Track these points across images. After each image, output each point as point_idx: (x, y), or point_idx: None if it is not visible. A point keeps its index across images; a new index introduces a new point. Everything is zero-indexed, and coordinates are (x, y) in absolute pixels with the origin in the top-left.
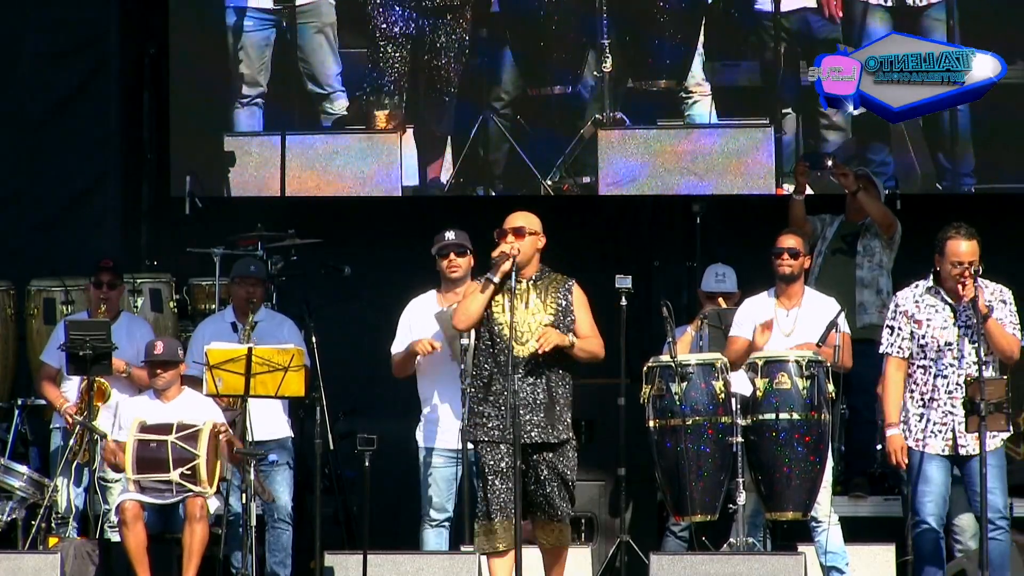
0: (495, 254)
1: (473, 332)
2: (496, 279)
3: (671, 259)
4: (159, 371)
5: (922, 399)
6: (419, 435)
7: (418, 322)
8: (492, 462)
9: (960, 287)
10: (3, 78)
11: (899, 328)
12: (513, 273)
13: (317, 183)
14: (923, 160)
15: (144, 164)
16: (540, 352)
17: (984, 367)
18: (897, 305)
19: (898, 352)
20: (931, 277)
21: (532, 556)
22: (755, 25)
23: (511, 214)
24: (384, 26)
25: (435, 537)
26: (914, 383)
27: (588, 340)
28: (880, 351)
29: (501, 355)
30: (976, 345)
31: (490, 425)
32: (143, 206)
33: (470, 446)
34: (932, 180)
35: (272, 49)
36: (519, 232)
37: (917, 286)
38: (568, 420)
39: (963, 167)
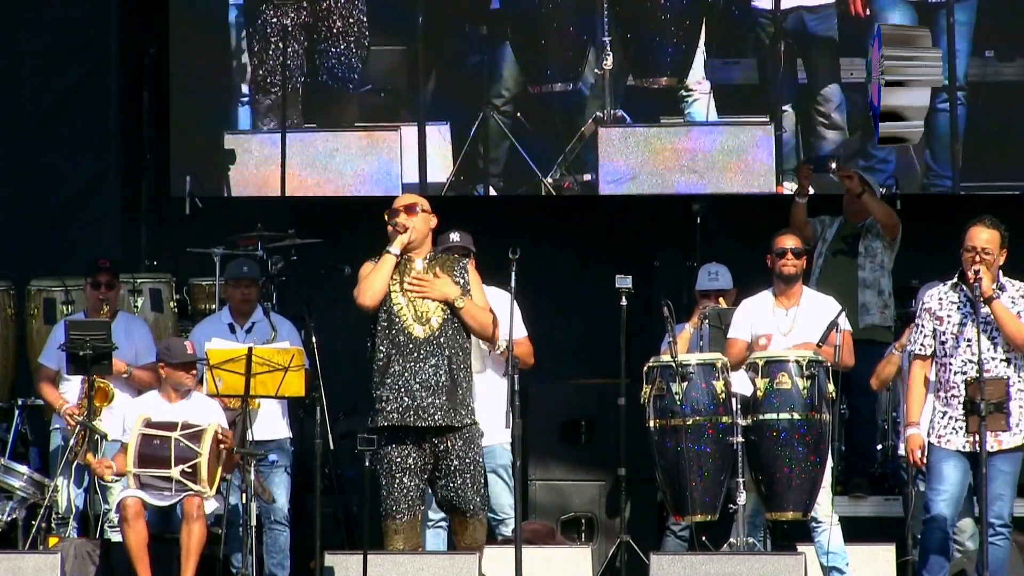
0: (390, 228)
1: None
2: (396, 251)
3: (671, 259)
4: (193, 372)
5: (945, 396)
6: None
7: None
8: (399, 458)
9: (971, 273)
10: (3, 78)
11: (922, 326)
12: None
13: (317, 180)
14: (922, 160)
15: (144, 164)
16: (420, 296)
17: (1011, 364)
18: (922, 303)
19: (920, 350)
20: (956, 274)
21: (532, 556)
22: (754, 23)
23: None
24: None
25: (432, 538)
26: (938, 381)
27: (477, 307)
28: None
29: (400, 335)
30: (994, 341)
31: (388, 409)
32: (143, 206)
33: (488, 443)
34: (931, 180)
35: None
36: (411, 209)
37: (945, 284)
38: (472, 404)
39: (962, 167)
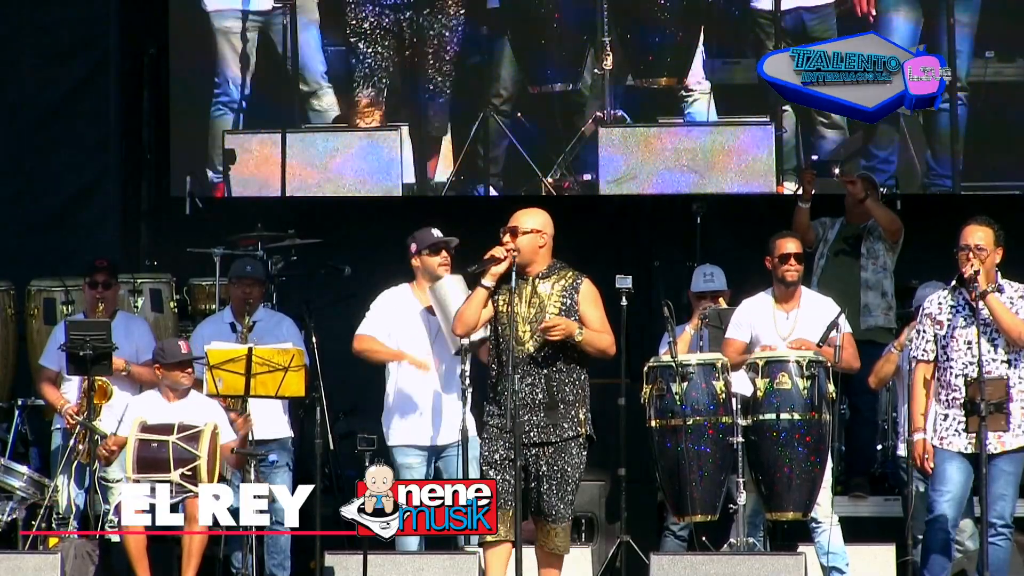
0: (486, 256)
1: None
2: (489, 284)
3: (671, 259)
4: (189, 371)
5: (946, 399)
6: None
7: (394, 314)
8: (487, 453)
9: (966, 269)
10: (3, 78)
11: (923, 331)
12: (514, 273)
13: (317, 180)
14: (923, 160)
15: (144, 164)
16: (547, 338)
17: (1012, 365)
18: (923, 308)
19: (922, 355)
20: (955, 278)
21: (532, 556)
22: (754, 23)
23: (518, 211)
24: (365, 21)
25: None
26: (939, 383)
27: (596, 334)
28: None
29: (504, 355)
30: (995, 343)
31: (491, 424)
32: (143, 206)
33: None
34: (932, 180)
35: (257, 49)
36: (513, 232)
37: (944, 288)
38: (579, 416)
39: (963, 167)
